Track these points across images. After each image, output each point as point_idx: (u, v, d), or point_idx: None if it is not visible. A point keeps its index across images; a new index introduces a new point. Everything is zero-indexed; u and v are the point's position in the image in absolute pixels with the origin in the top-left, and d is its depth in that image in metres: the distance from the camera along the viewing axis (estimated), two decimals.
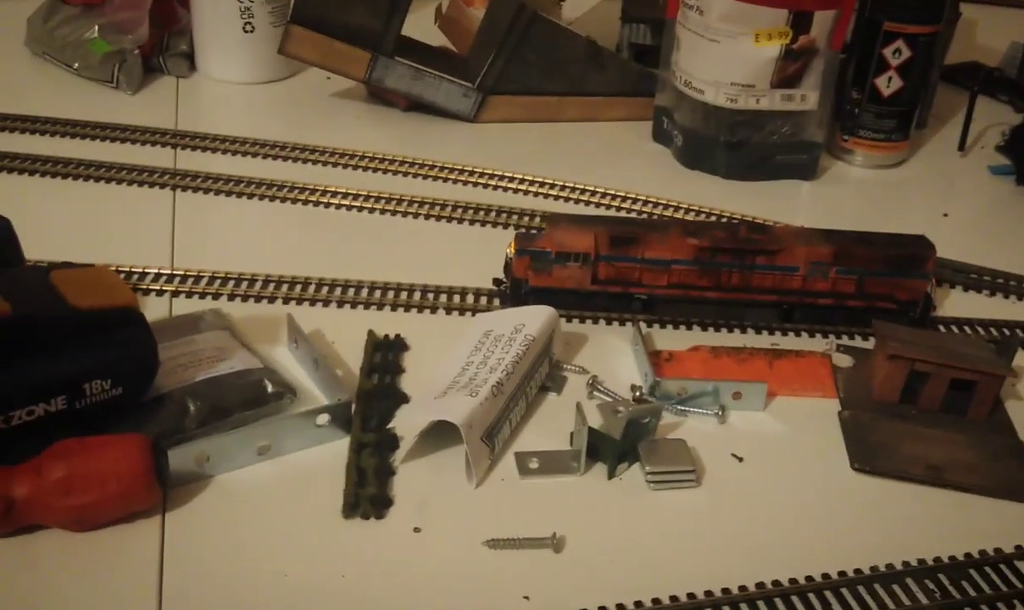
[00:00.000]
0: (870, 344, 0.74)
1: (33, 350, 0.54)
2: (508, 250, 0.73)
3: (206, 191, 0.89)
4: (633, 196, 0.93)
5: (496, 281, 0.76)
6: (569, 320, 0.75)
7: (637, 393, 0.68)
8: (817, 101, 0.95)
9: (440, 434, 0.61)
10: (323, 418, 0.61)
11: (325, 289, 0.76)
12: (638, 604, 0.52)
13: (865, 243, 0.74)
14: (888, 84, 0.99)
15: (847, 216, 0.94)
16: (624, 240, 0.73)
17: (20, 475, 0.52)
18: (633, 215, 0.91)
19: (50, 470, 0.52)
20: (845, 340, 0.75)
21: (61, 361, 0.55)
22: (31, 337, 0.54)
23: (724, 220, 0.90)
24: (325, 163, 0.96)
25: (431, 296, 0.76)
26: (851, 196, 0.99)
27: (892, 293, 0.75)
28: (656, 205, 0.93)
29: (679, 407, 0.66)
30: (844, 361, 0.72)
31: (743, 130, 0.96)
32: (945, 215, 0.97)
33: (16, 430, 0.54)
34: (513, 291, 0.74)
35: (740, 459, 0.63)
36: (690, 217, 0.91)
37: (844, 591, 0.54)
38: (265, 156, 0.96)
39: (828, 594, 0.54)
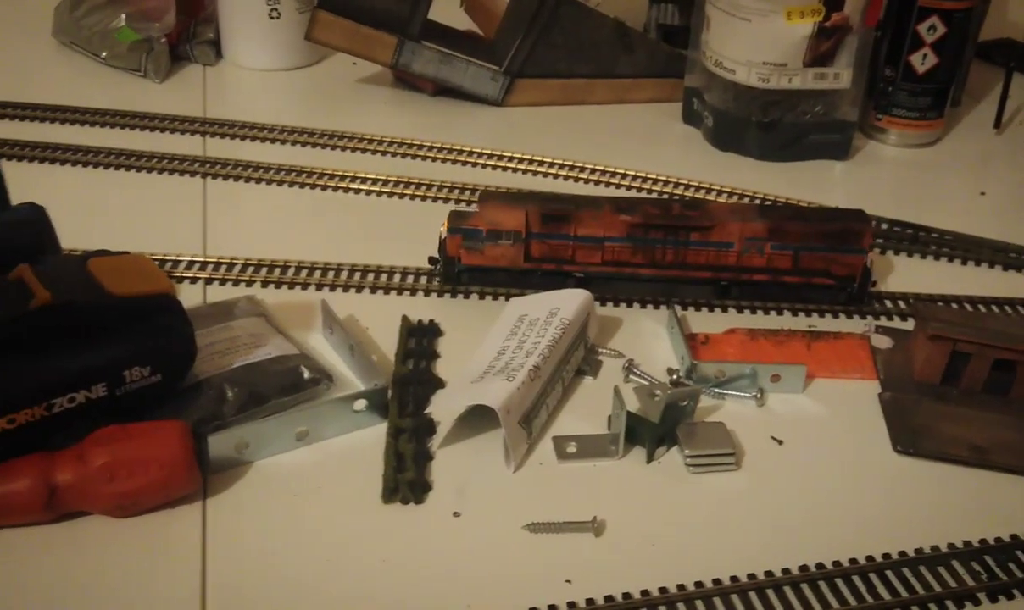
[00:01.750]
0: (909, 325, 0.73)
1: (73, 338, 0.54)
2: (441, 228, 0.73)
3: (236, 178, 0.89)
4: (664, 178, 0.93)
5: (431, 259, 0.76)
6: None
7: (674, 376, 0.67)
8: (851, 79, 0.94)
9: (477, 419, 0.61)
10: (360, 403, 0.61)
11: (357, 275, 0.76)
12: (681, 587, 0.52)
13: (800, 218, 0.73)
14: (923, 61, 0.97)
15: (881, 196, 0.93)
16: (556, 217, 0.72)
17: (63, 461, 0.52)
18: (664, 197, 0.90)
19: (93, 456, 0.52)
20: (883, 321, 0.74)
21: (101, 348, 0.55)
22: (71, 325, 0.54)
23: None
24: (354, 149, 0.96)
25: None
26: (885, 176, 0.98)
27: (828, 268, 0.74)
28: (688, 187, 0.92)
29: (717, 390, 0.66)
30: (883, 342, 0.71)
31: (775, 110, 0.95)
32: (983, 194, 0.95)
33: (58, 417, 0.54)
34: (446, 269, 0.74)
35: (780, 442, 0.63)
36: (723, 199, 0.90)
37: (889, 573, 0.53)
38: (293, 143, 0.96)
39: (872, 576, 0.53)
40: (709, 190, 0.91)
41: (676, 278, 0.74)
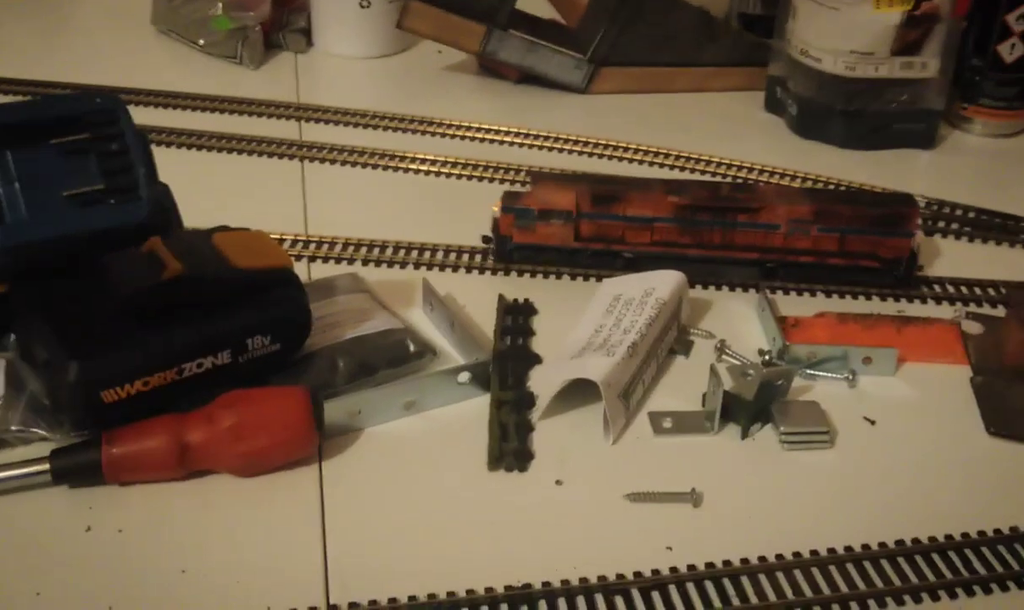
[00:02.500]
0: (999, 312, 0.74)
1: (202, 307, 0.57)
2: (494, 208, 0.75)
3: (332, 162, 0.92)
4: (749, 165, 0.94)
5: (485, 238, 0.78)
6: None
7: (765, 357, 0.69)
8: (938, 69, 0.94)
9: (574, 394, 0.63)
10: (464, 376, 0.63)
11: (453, 255, 0.78)
12: (779, 557, 0.54)
13: (847, 201, 0.74)
14: (1011, 51, 0.97)
15: (966, 185, 0.93)
16: (606, 198, 0.73)
17: (194, 422, 0.55)
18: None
19: (221, 418, 0.55)
20: (973, 308, 0.75)
21: (227, 318, 0.58)
22: (200, 295, 0.57)
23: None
24: (442, 135, 0.99)
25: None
26: (971, 165, 0.98)
27: (875, 251, 0.74)
28: (772, 174, 0.93)
29: (808, 371, 0.67)
30: (973, 329, 0.72)
31: (860, 98, 0.96)
32: None
33: (187, 381, 0.57)
34: (498, 248, 0.76)
35: (872, 422, 0.64)
36: (806, 186, 0.91)
37: (985, 550, 0.54)
38: (384, 128, 0.99)
39: (968, 552, 0.54)
40: (793, 177, 0.92)
41: (723, 259, 0.75)
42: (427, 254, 0.79)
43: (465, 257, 0.78)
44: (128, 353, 0.55)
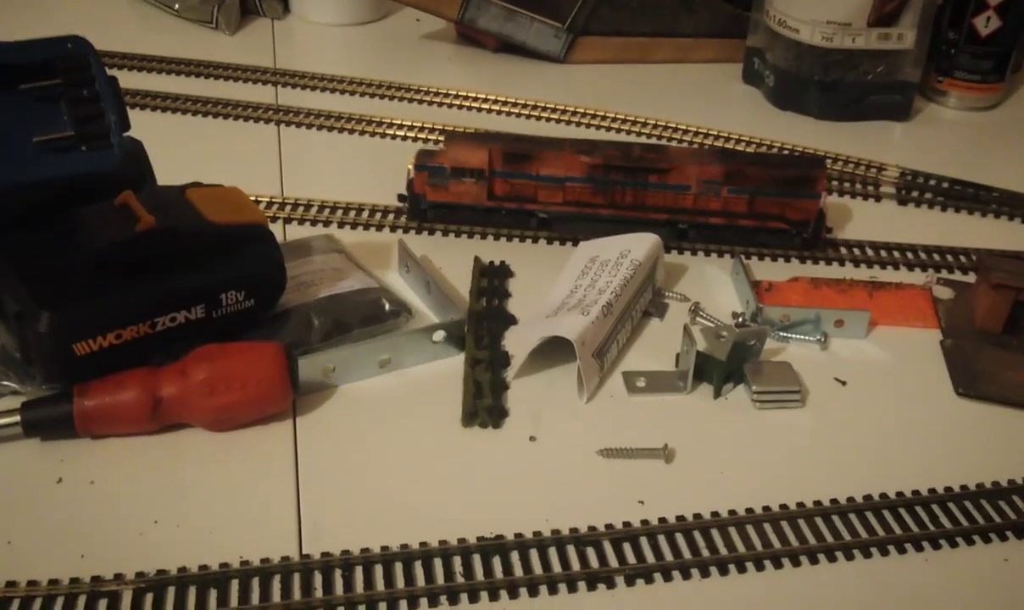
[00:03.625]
0: (970, 278, 0.75)
1: (175, 261, 0.57)
2: (409, 166, 0.75)
3: (308, 126, 0.92)
4: (725, 135, 0.94)
5: (400, 197, 0.78)
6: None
7: (739, 319, 0.69)
8: (914, 40, 0.95)
9: (549, 352, 0.63)
10: (439, 335, 0.63)
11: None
12: (749, 511, 0.54)
13: (756, 163, 0.74)
14: (986, 24, 0.98)
15: (940, 157, 0.94)
16: (518, 156, 0.74)
17: (167, 376, 0.55)
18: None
19: (195, 371, 0.55)
20: (945, 274, 0.76)
21: (200, 272, 0.58)
22: (174, 249, 0.57)
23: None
24: (420, 101, 0.98)
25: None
26: (946, 137, 0.98)
27: (783, 213, 0.75)
28: (748, 144, 0.93)
29: (782, 334, 0.68)
30: (944, 293, 0.73)
31: (837, 70, 0.96)
32: None
33: (160, 335, 0.57)
34: (412, 206, 0.76)
35: (843, 383, 0.64)
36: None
37: (951, 505, 0.55)
38: (362, 94, 0.99)
39: (935, 507, 0.55)
40: (770, 147, 0.93)
41: (635, 219, 0.75)
42: (403, 216, 0.78)
43: (391, 217, 0.78)
44: (100, 305, 0.55)
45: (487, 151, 0.74)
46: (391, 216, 0.78)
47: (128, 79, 0.98)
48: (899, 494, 0.56)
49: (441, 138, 0.91)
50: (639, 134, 0.94)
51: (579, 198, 0.75)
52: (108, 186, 0.58)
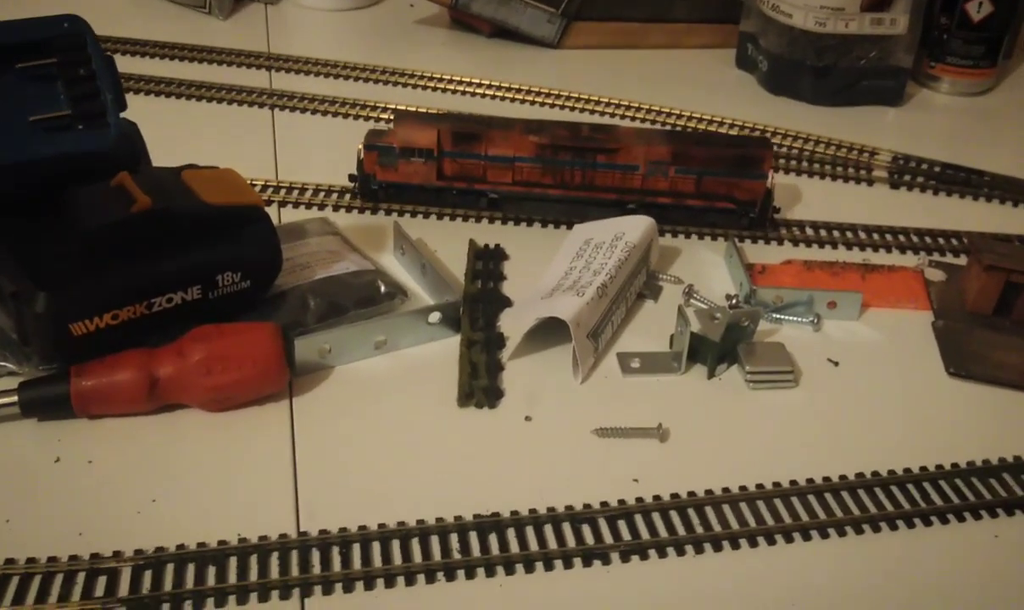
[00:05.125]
0: (961, 261, 0.75)
1: (171, 242, 0.57)
2: (359, 146, 0.75)
3: (303, 110, 0.92)
4: (718, 120, 0.94)
5: (351, 177, 0.78)
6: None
7: (732, 301, 0.70)
8: (907, 25, 0.95)
9: (544, 334, 0.64)
10: (435, 316, 0.64)
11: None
12: (742, 488, 0.55)
13: (704, 143, 0.75)
14: (978, 9, 0.98)
15: (936, 142, 0.94)
16: (467, 136, 0.74)
17: (164, 356, 0.55)
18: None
19: (192, 351, 0.55)
20: (936, 257, 0.76)
21: (197, 253, 0.58)
22: (170, 229, 0.57)
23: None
24: (415, 86, 0.98)
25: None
26: (938, 122, 0.99)
27: (731, 193, 0.75)
28: (742, 129, 0.93)
29: (775, 315, 0.68)
30: (936, 275, 0.73)
31: (830, 55, 0.96)
32: None
33: (157, 316, 0.57)
34: (362, 186, 0.76)
35: (836, 363, 0.65)
36: (776, 141, 0.92)
37: (943, 483, 0.56)
38: (356, 79, 0.99)
39: (926, 484, 0.56)
40: (764, 132, 0.93)
41: (584, 199, 0.75)
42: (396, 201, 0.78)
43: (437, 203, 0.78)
44: (97, 286, 0.55)
45: (436, 131, 0.73)
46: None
47: (122, 63, 0.96)
48: (891, 472, 0.56)
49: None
50: (632, 119, 0.95)
51: (528, 178, 0.75)
52: (104, 167, 0.58)
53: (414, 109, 0.89)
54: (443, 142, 0.74)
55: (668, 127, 0.93)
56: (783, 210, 0.80)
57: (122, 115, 0.62)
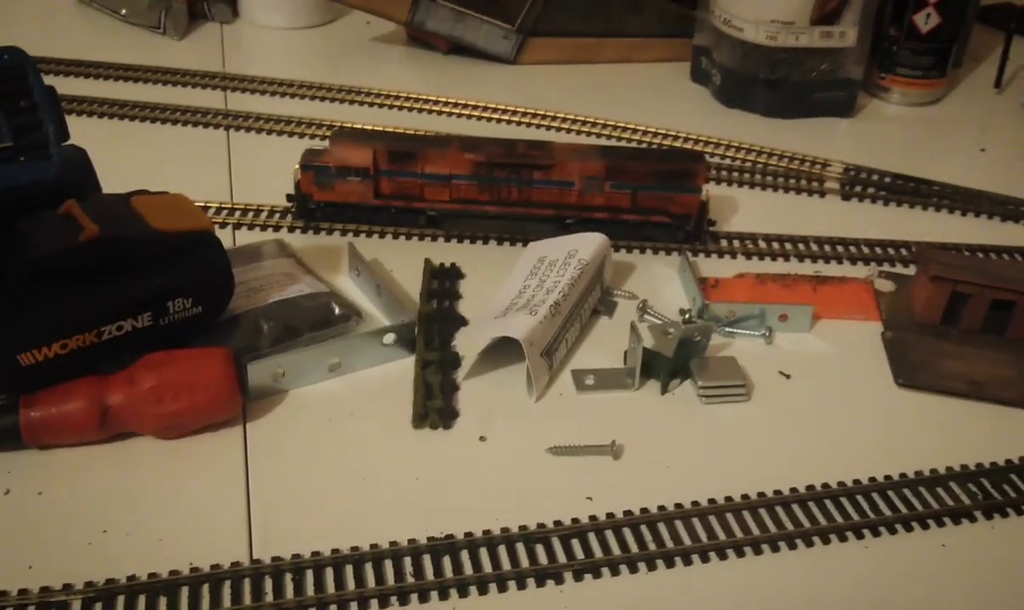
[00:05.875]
0: (911, 271, 0.77)
1: (120, 269, 0.57)
2: (296, 166, 0.75)
3: (258, 131, 0.92)
4: (673, 134, 0.95)
5: (288, 196, 0.78)
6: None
7: (686, 316, 0.70)
8: (856, 37, 0.97)
9: (499, 353, 0.64)
10: (389, 337, 0.64)
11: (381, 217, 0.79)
12: (695, 503, 0.55)
13: (638, 158, 0.76)
14: (926, 21, 1.00)
15: (887, 153, 0.96)
16: (403, 155, 0.74)
17: (115, 384, 0.55)
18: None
19: (143, 379, 0.55)
20: (887, 267, 0.77)
21: (146, 279, 0.58)
22: (118, 257, 0.57)
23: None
24: (371, 104, 0.98)
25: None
26: (889, 133, 1.01)
27: (665, 207, 0.76)
28: (696, 142, 0.94)
29: (727, 329, 0.69)
30: (886, 286, 0.74)
31: (782, 68, 0.98)
32: (983, 150, 0.98)
33: (107, 344, 0.57)
34: (299, 206, 0.76)
35: (787, 376, 0.66)
36: (729, 154, 0.93)
37: (891, 493, 0.57)
38: (312, 97, 0.99)
39: (875, 495, 0.57)
40: (717, 144, 0.94)
41: (522, 215, 0.76)
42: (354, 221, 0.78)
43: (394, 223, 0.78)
44: (45, 315, 0.54)
45: (371, 150, 0.74)
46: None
47: (75, 86, 0.97)
48: (840, 484, 0.57)
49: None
50: (588, 134, 0.95)
51: (465, 195, 0.75)
52: (51, 195, 0.57)
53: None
54: (379, 161, 0.74)
55: (625, 142, 0.94)
56: (735, 223, 0.81)
57: (73, 141, 0.62)
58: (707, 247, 0.78)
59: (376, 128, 0.89)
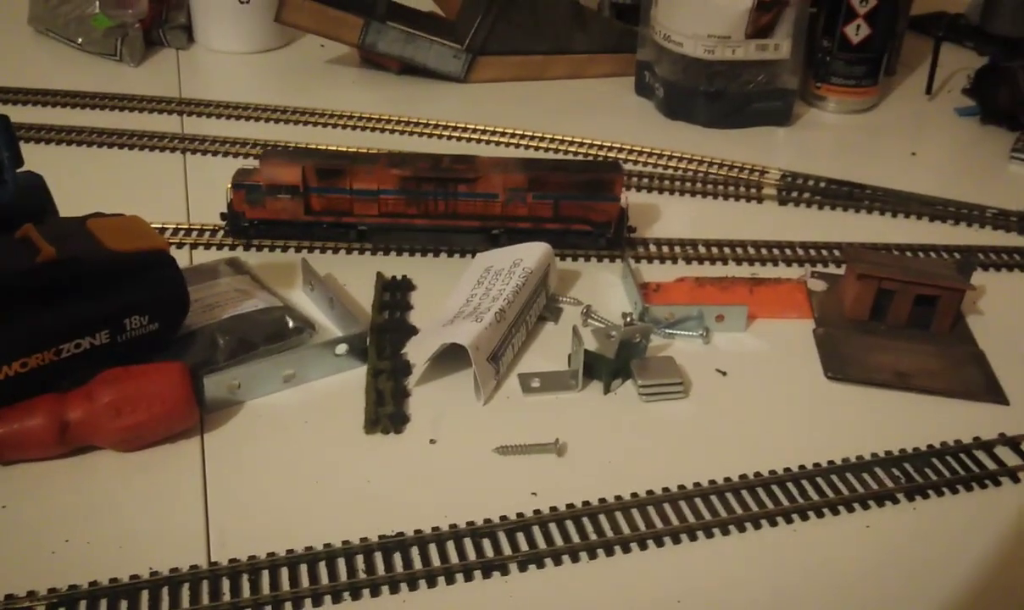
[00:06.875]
0: (842, 271, 0.80)
1: (77, 289, 0.59)
2: (228, 185, 0.78)
3: (215, 153, 0.94)
4: (619, 146, 0.99)
5: (222, 215, 0.81)
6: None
7: (627, 319, 0.73)
8: (790, 50, 1.01)
9: (449, 360, 0.67)
10: (342, 348, 0.66)
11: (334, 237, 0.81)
12: (634, 495, 0.58)
13: (559, 169, 0.79)
14: (857, 32, 1.04)
15: (822, 159, 1.00)
16: (332, 172, 0.77)
17: (73, 400, 0.57)
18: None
19: (100, 394, 0.57)
20: (820, 268, 0.81)
21: (103, 299, 0.60)
22: (75, 277, 0.59)
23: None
24: (325, 125, 1.01)
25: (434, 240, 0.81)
26: (825, 140, 1.05)
27: (587, 215, 0.79)
28: (640, 153, 0.98)
29: (667, 331, 0.72)
30: (819, 286, 0.78)
31: (720, 80, 1.02)
32: (913, 154, 1.02)
33: (65, 362, 0.59)
34: (232, 224, 0.79)
35: (724, 373, 0.69)
36: (672, 164, 0.96)
37: (819, 479, 0.60)
38: (267, 119, 1.01)
39: (804, 482, 0.60)
40: (660, 156, 0.98)
41: (449, 228, 0.79)
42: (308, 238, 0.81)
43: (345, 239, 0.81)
44: (4, 335, 0.56)
45: (300, 168, 0.76)
46: (303, 238, 0.81)
47: (33, 114, 0.99)
48: (772, 472, 0.60)
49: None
50: (536, 148, 0.98)
51: (394, 210, 0.78)
52: (9, 220, 0.60)
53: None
54: (308, 178, 0.77)
55: (572, 155, 0.97)
56: (677, 230, 0.85)
57: (31, 167, 0.64)
58: (649, 253, 0.81)
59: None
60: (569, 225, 0.79)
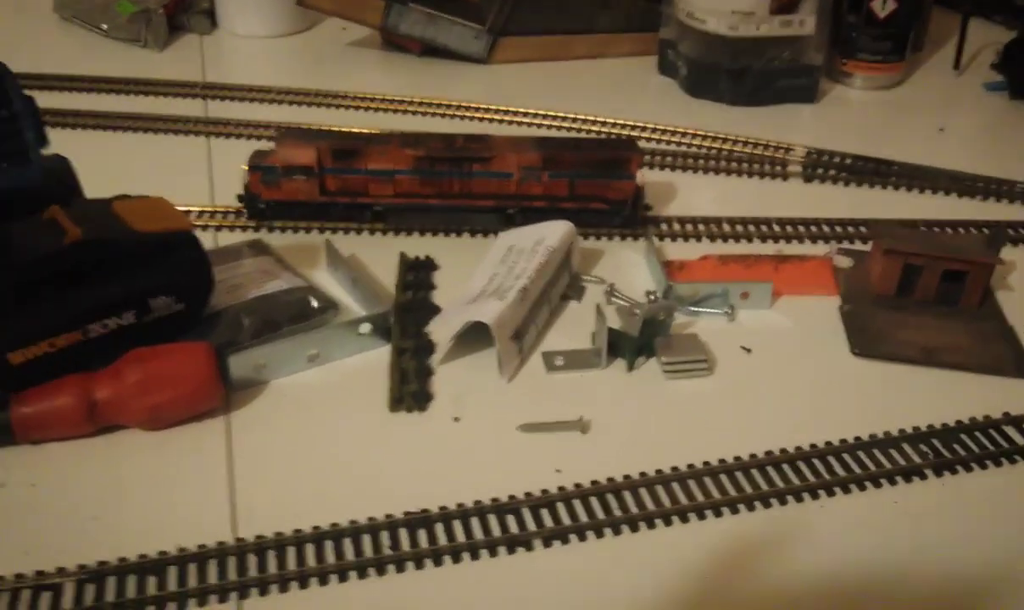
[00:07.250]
0: (868, 247, 0.79)
1: (103, 270, 0.60)
2: (244, 167, 0.78)
3: (238, 137, 0.95)
4: (642, 125, 0.98)
5: (239, 197, 0.81)
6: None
7: (651, 298, 0.73)
8: (815, 26, 0.99)
9: (472, 338, 0.67)
10: (365, 327, 0.66)
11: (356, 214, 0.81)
12: (659, 471, 0.58)
13: (574, 148, 0.78)
14: (883, 6, 1.03)
15: (848, 136, 0.98)
16: (347, 153, 0.77)
17: (101, 379, 0.58)
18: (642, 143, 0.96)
19: (128, 373, 0.57)
20: (846, 244, 0.80)
21: (129, 279, 0.61)
22: (101, 258, 0.60)
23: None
24: (347, 107, 1.01)
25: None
26: (851, 117, 1.03)
27: (603, 194, 0.79)
28: (664, 132, 0.97)
29: (691, 309, 0.72)
30: (844, 262, 0.77)
31: (745, 57, 1.01)
32: (941, 129, 1.01)
33: (93, 342, 0.60)
34: (249, 205, 0.79)
35: (748, 351, 0.69)
36: (696, 143, 0.96)
37: (846, 456, 0.59)
38: (290, 103, 1.02)
39: (831, 458, 0.59)
40: (684, 134, 0.97)
41: (464, 207, 0.79)
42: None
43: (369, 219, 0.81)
44: (33, 316, 0.57)
45: (316, 149, 0.76)
46: (320, 218, 0.81)
47: (59, 99, 1.00)
48: (797, 448, 0.60)
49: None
50: (559, 129, 0.98)
51: (409, 189, 0.78)
52: (36, 202, 0.60)
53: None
54: (323, 159, 0.77)
55: (595, 134, 0.97)
56: (701, 208, 0.84)
57: (58, 152, 0.65)
58: (673, 231, 0.81)
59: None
60: (585, 204, 0.79)
